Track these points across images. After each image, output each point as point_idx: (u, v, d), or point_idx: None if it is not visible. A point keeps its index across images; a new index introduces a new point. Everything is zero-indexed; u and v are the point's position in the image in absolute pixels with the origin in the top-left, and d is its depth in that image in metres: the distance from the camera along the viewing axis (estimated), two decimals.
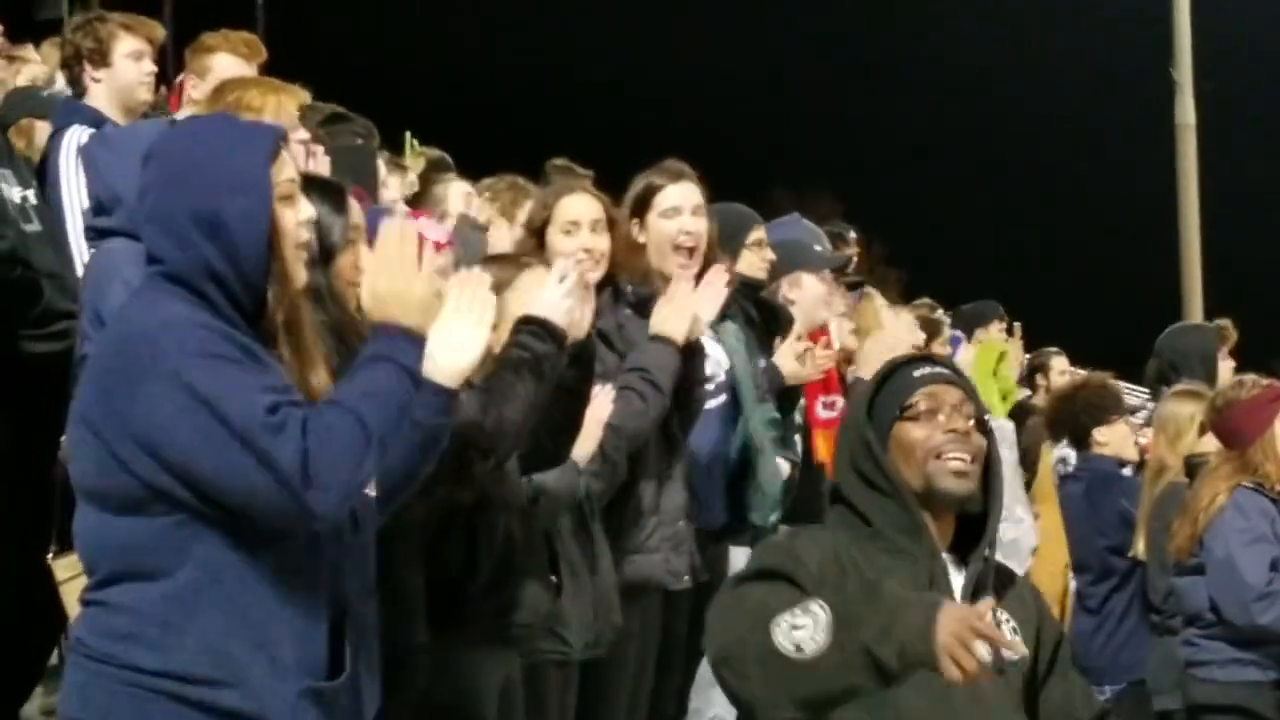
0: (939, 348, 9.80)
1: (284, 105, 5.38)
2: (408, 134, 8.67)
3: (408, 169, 7.78)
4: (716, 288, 5.81)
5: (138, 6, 7.16)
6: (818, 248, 7.86)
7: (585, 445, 4.99)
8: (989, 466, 3.88)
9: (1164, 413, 7.75)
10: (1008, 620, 3.82)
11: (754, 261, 6.97)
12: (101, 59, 6.63)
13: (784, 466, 6.40)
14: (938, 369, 3.98)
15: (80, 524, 3.43)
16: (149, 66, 6.72)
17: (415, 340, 3.47)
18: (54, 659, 6.35)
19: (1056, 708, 3.89)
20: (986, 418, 3.97)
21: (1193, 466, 7.18)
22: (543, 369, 4.48)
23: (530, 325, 4.55)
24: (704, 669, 5.95)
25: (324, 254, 4.16)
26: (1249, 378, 7.21)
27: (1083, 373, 10.35)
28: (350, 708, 3.44)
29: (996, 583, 3.87)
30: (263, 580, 3.31)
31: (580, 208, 5.77)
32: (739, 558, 6.20)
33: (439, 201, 7.32)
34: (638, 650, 5.54)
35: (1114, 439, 8.24)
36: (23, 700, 6.15)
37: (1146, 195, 27.41)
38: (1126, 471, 8.28)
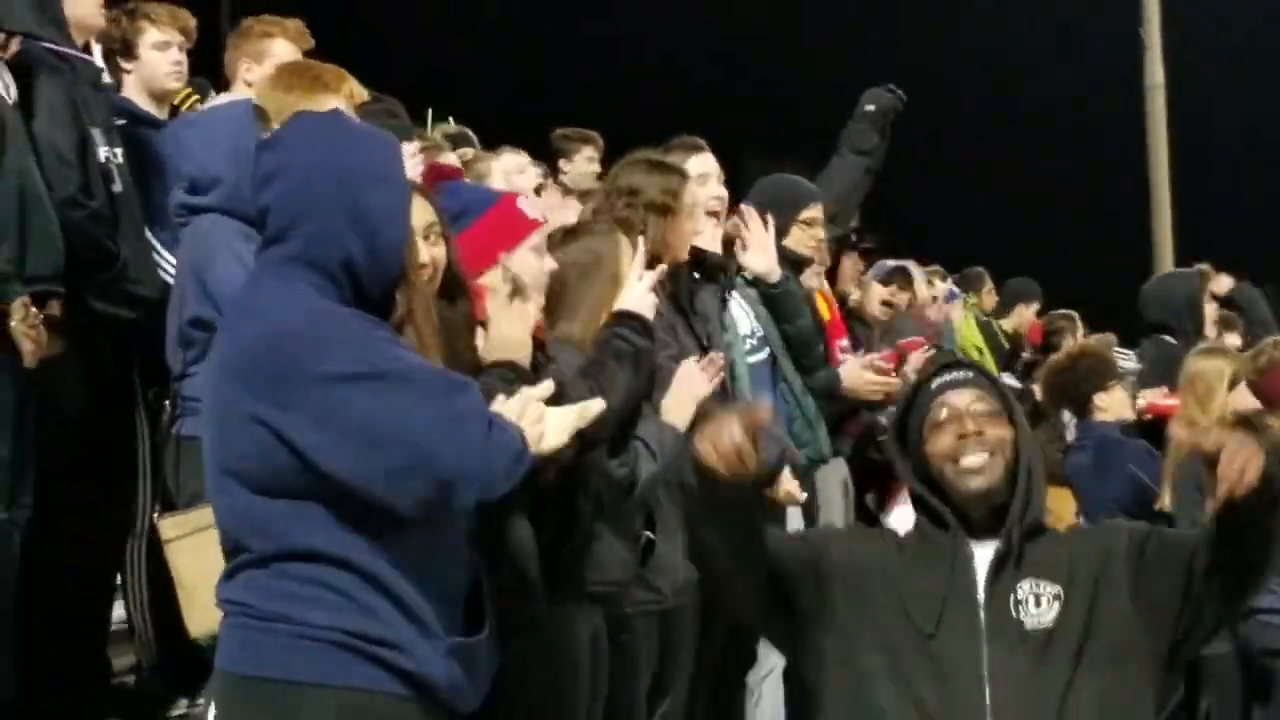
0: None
1: (354, 94, 5.68)
2: (430, 110, 8.94)
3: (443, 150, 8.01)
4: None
5: None
6: None
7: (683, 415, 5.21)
8: (1020, 454, 4.25)
9: (1192, 370, 7.87)
10: (1042, 593, 4.09)
11: (802, 238, 7.16)
12: (128, 52, 6.81)
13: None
14: (951, 375, 4.34)
15: (225, 500, 3.57)
16: (176, 56, 6.87)
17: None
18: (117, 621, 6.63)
19: (1164, 570, 4.09)
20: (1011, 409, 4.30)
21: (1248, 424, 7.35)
22: (641, 362, 4.80)
23: (629, 320, 4.83)
24: None
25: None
26: None
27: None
28: (487, 663, 3.71)
29: (1032, 555, 4.15)
30: (409, 554, 3.51)
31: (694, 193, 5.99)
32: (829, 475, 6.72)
33: (481, 179, 7.56)
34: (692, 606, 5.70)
35: (1113, 403, 8.42)
36: (97, 654, 6.39)
37: (1116, 155, 27.60)
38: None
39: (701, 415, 3.82)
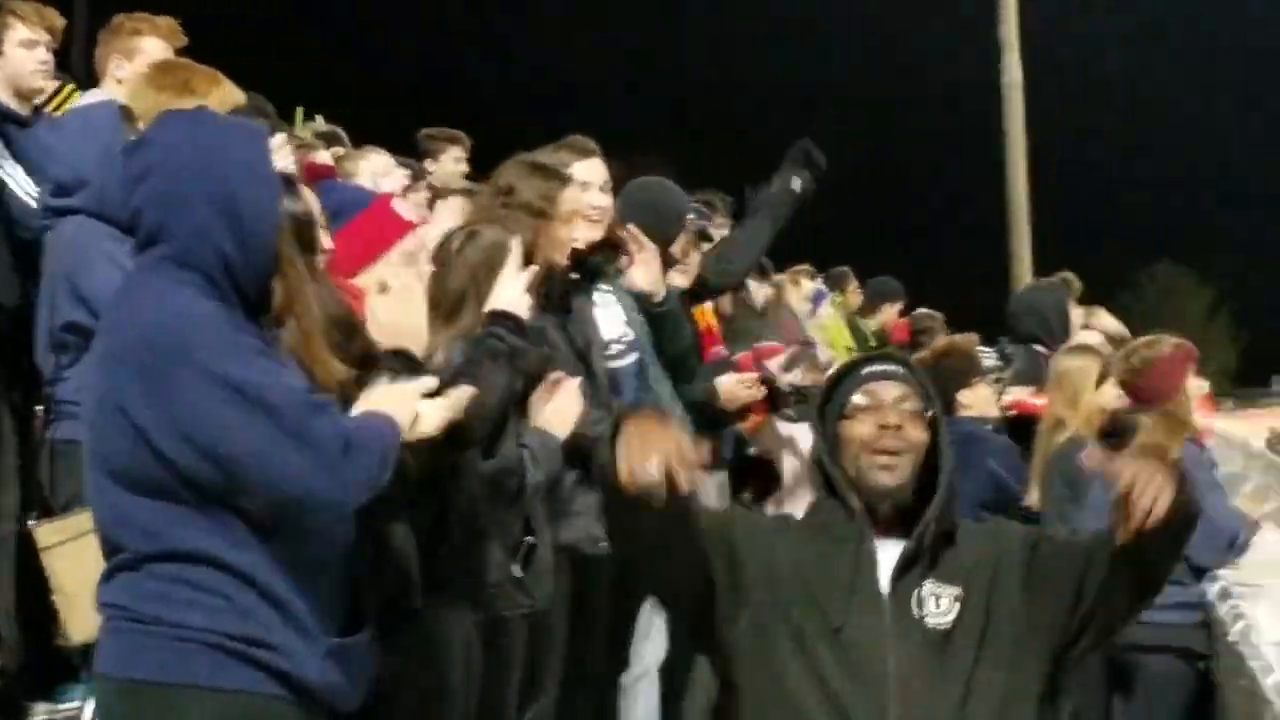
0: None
1: (227, 98, 5.65)
2: (300, 109, 8.86)
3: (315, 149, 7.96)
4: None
5: None
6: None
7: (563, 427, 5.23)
8: (938, 460, 4.21)
9: (1060, 368, 7.88)
10: (943, 594, 4.10)
11: (686, 246, 7.24)
12: None
13: None
14: (883, 366, 4.31)
15: (103, 500, 3.58)
16: (43, 55, 6.75)
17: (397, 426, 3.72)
18: None
19: (1055, 570, 4.12)
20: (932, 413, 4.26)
21: (1121, 423, 7.18)
22: (515, 361, 4.78)
23: (503, 319, 4.80)
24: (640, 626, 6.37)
25: (306, 245, 4.17)
26: (1161, 337, 7.41)
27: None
28: (366, 663, 3.74)
29: (936, 557, 4.13)
30: (287, 555, 3.55)
31: (577, 200, 5.92)
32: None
33: (349, 178, 7.50)
34: (563, 609, 5.74)
35: (977, 400, 8.37)
36: None
37: (973, 154, 27.93)
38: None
39: (627, 421, 3.76)
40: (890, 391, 4.23)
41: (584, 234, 6.26)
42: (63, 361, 5.51)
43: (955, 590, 4.11)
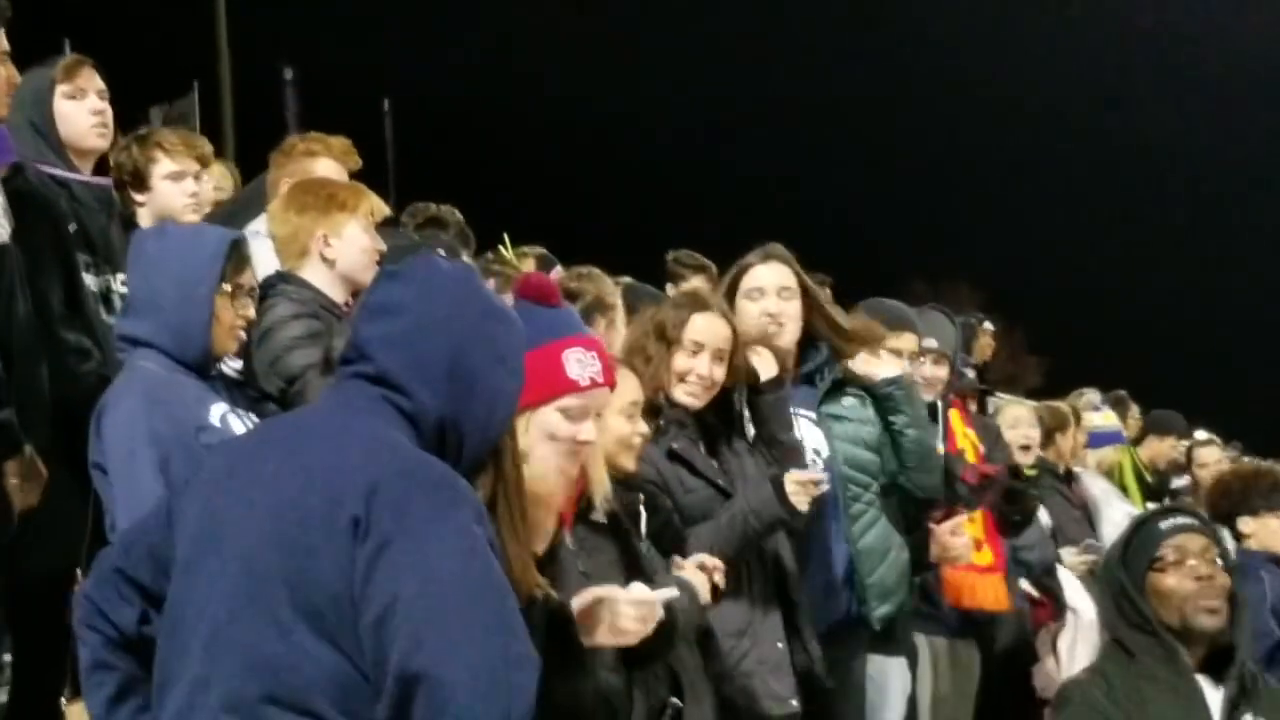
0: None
1: (375, 211, 5.42)
2: (505, 236, 8.44)
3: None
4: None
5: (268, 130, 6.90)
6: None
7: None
8: (1235, 599, 4.76)
9: None
10: None
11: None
12: (139, 183, 6.27)
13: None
14: (1181, 519, 4.86)
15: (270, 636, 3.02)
16: (191, 188, 6.30)
17: None
18: None
19: None
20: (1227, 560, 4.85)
21: None
22: None
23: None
24: None
25: None
26: None
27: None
28: None
29: (1257, 696, 4.66)
30: None
31: (709, 331, 5.44)
32: (893, 669, 6.21)
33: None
34: None
35: (1261, 531, 7.75)
36: None
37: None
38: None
39: None
40: (1195, 543, 4.78)
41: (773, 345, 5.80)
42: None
43: None
